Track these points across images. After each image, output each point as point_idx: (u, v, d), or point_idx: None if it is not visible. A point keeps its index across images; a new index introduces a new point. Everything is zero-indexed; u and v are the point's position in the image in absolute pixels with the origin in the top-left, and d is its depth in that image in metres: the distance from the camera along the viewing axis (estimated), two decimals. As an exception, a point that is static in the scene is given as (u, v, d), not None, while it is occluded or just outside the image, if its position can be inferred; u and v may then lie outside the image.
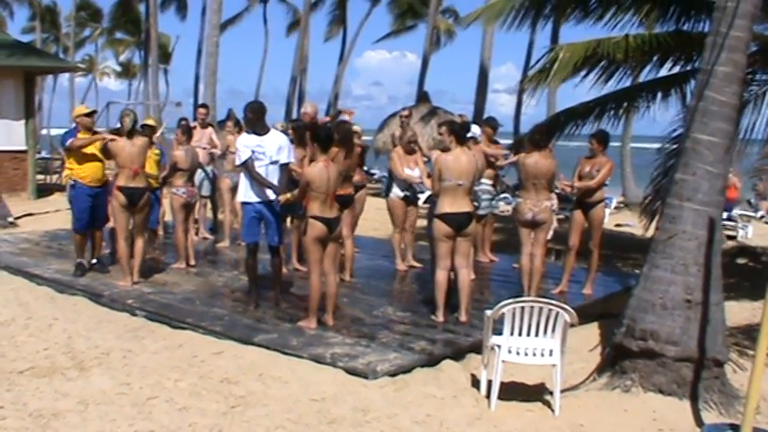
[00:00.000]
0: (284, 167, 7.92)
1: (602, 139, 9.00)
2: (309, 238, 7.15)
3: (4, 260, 10.10)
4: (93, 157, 9.02)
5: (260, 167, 7.75)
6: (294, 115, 35.46)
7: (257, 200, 7.83)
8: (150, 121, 10.03)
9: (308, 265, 7.37)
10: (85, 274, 9.17)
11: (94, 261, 9.51)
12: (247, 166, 7.76)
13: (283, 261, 8.68)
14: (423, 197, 10.18)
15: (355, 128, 9.55)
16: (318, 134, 7.40)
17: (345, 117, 9.77)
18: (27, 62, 19.25)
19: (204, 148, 11.43)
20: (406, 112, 11.43)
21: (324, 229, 7.10)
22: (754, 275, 11.04)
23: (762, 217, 22.61)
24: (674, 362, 6.17)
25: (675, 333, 6.17)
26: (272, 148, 7.81)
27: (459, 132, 7.62)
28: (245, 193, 7.89)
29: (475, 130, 9.65)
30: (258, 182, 7.75)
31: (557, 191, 9.16)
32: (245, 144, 7.82)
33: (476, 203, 8.36)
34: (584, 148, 9.18)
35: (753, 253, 13.79)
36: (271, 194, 7.78)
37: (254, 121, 7.87)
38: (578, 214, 8.97)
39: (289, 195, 7.54)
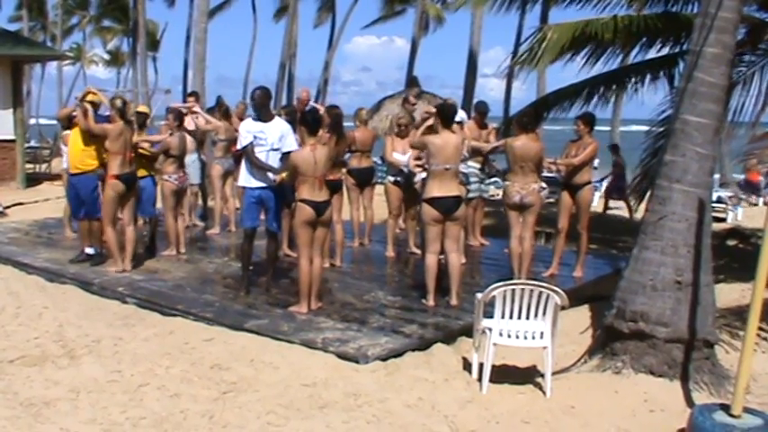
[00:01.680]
0: (286, 156, 7.74)
1: (588, 120, 8.94)
2: (298, 222, 7.14)
3: (-7, 249, 10.03)
4: (74, 143, 9.01)
5: (260, 153, 7.70)
6: (283, 101, 35.38)
7: (258, 185, 7.80)
8: (143, 109, 10.00)
9: (298, 249, 7.36)
10: (86, 262, 9.14)
11: (96, 251, 9.36)
12: (247, 152, 7.73)
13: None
14: (417, 178, 10.17)
15: (362, 112, 9.62)
16: (305, 118, 7.38)
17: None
18: (14, 51, 19.07)
19: (195, 112, 11.29)
20: (412, 100, 11.29)
21: (312, 213, 7.09)
22: (744, 257, 11.04)
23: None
24: (665, 343, 6.18)
25: (666, 314, 6.18)
26: (273, 136, 7.74)
27: (445, 115, 7.60)
28: (246, 178, 7.85)
29: (461, 114, 9.63)
30: (257, 166, 7.71)
31: (548, 174, 9.14)
32: (247, 129, 7.80)
33: (467, 187, 8.35)
34: (570, 132, 9.14)
35: (743, 234, 13.80)
36: (272, 177, 7.76)
37: (260, 106, 7.82)
38: (566, 196, 8.95)
39: (284, 174, 7.53)
